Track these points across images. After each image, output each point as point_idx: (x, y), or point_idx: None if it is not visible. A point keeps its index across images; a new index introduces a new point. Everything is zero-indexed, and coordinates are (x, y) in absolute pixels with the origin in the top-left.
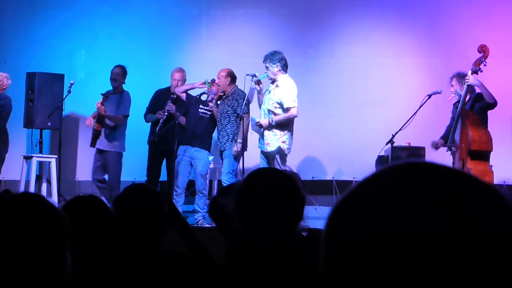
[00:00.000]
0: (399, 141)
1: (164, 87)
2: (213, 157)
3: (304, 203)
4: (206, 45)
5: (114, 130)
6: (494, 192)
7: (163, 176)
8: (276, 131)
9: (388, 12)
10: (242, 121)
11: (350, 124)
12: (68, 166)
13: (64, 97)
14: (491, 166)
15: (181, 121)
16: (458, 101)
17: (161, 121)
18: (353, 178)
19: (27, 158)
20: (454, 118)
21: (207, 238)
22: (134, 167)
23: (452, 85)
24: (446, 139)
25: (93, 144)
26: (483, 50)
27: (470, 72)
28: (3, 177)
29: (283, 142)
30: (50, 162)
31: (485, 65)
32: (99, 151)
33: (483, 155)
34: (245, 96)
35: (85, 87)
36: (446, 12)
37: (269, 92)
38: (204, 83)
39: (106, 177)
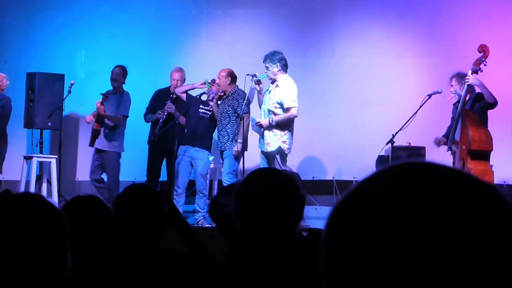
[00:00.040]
0: (399, 141)
1: (163, 87)
2: (213, 157)
3: (304, 203)
4: (206, 45)
5: (114, 130)
6: (494, 192)
7: (163, 176)
8: (277, 131)
9: (388, 12)
10: (242, 121)
11: (350, 124)
12: (68, 166)
13: (64, 97)
14: (491, 166)
15: (181, 121)
16: (458, 101)
17: (160, 121)
18: (354, 178)
19: (27, 158)
20: (454, 118)
21: (208, 238)
22: (134, 167)
23: (451, 85)
24: (448, 139)
25: (92, 143)
26: (483, 50)
27: (470, 72)
28: (3, 177)
29: (284, 142)
30: (50, 162)
31: (485, 65)
32: (98, 151)
33: (483, 154)
34: (245, 96)
35: (85, 87)
36: (446, 12)
37: (269, 92)
38: (204, 83)
39: (104, 176)
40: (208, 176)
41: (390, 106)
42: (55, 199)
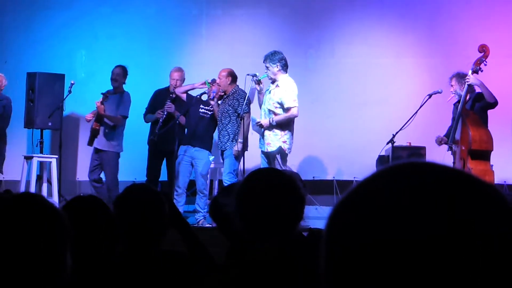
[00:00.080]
0: (399, 141)
1: (163, 87)
2: (213, 157)
3: (304, 203)
4: (206, 45)
5: (113, 129)
6: (494, 192)
7: (163, 176)
8: (277, 131)
9: (388, 12)
10: (242, 120)
11: (350, 124)
12: (69, 166)
13: (64, 97)
14: (492, 165)
15: (181, 121)
16: (458, 101)
17: (160, 120)
18: (354, 178)
19: (28, 158)
20: (455, 118)
21: (208, 238)
22: (134, 167)
23: (451, 85)
24: (448, 139)
25: (90, 143)
26: (484, 50)
27: (470, 71)
28: (3, 177)
29: (284, 142)
30: (50, 162)
31: (485, 65)
32: (97, 151)
33: (483, 154)
34: (245, 96)
35: (86, 87)
36: (446, 12)
37: (270, 92)
38: (204, 83)
39: (102, 176)
40: (208, 176)
41: (390, 106)
42: (55, 199)
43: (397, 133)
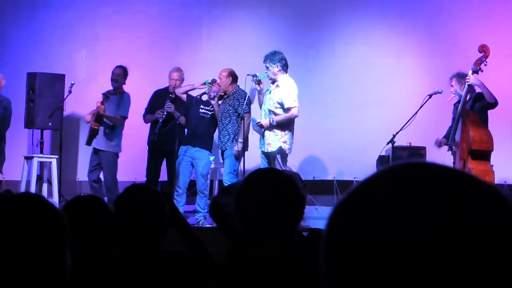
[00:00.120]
0: (400, 141)
1: (162, 88)
2: (214, 157)
3: (304, 203)
4: (207, 46)
5: (112, 130)
6: (494, 193)
7: (163, 177)
8: (277, 131)
9: (388, 12)
10: (243, 120)
11: (350, 124)
12: (69, 167)
13: (65, 97)
14: (492, 166)
15: (181, 121)
16: (458, 102)
17: (160, 121)
18: (354, 178)
19: (28, 158)
20: (455, 118)
21: (208, 238)
22: (135, 168)
23: (452, 85)
24: (448, 139)
25: (89, 142)
26: (484, 50)
27: (470, 72)
28: (4, 178)
29: (284, 142)
30: (51, 162)
31: (485, 65)
32: (95, 151)
33: (484, 154)
34: (246, 96)
35: (86, 88)
36: (446, 12)
37: (270, 92)
38: (204, 83)
39: (101, 177)
40: (208, 176)
41: (391, 106)
42: (55, 199)
43: (397, 133)
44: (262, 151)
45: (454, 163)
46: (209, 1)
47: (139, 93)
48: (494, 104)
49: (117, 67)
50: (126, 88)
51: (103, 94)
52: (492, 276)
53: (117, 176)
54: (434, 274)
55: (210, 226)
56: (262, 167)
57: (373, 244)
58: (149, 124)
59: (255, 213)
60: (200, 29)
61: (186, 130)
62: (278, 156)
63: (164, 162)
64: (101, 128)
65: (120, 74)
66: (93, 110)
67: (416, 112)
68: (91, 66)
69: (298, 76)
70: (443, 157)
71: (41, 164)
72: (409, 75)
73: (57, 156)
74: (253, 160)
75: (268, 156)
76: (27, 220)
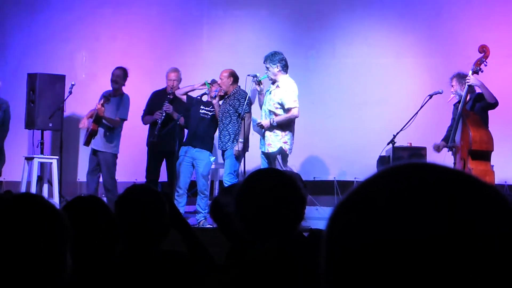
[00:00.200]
0: (400, 141)
1: (160, 89)
2: (214, 157)
3: (305, 204)
4: (207, 46)
5: (112, 131)
6: (495, 193)
7: (163, 177)
8: (278, 132)
9: (388, 12)
10: (243, 121)
11: (351, 124)
12: (69, 167)
13: (65, 98)
14: (492, 166)
15: (180, 121)
16: (459, 102)
17: (159, 122)
18: (355, 178)
19: (29, 159)
20: (455, 118)
21: (209, 238)
22: (135, 168)
23: (452, 85)
24: (448, 141)
25: (87, 143)
26: (484, 50)
27: (471, 72)
28: (4, 178)
29: (285, 142)
30: (51, 163)
31: (485, 65)
32: (94, 152)
33: (484, 155)
34: (246, 96)
35: (86, 88)
36: (446, 12)
37: (270, 93)
38: (204, 84)
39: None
40: (209, 176)
41: (391, 106)
42: (56, 200)
43: (397, 133)
44: (262, 151)
45: (454, 163)
46: (209, 2)
47: (139, 93)
48: (494, 104)
49: (117, 68)
50: (126, 88)
51: (103, 96)
52: (493, 276)
53: (117, 177)
54: (435, 275)
55: (211, 226)
56: (262, 167)
57: (373, 245)
58: (147, 125)
59: (256, 214)
60: (201, 29)
61: (186, 130)
62: (279, 157)
63: (164, 163)
64: (100, 130)
65: (120, 75)
66: (89, 112)
67: (417, 113)
68: (91, 66)
69: (298, 77)
70: (443, 157)
71: (42, 165)
72: (409, 75)
73: (57, 157)
74: (253, 161)
75: (268, 156)
76: (27, 220)
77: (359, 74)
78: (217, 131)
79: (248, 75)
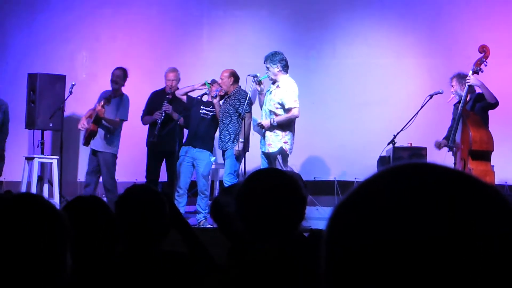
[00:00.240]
0: (400, 142)
1: (159, 89)
2: (215, 157)
3: (305, 204)
4: (207, 46)
5: (111, 132)
6: (495, 193)
7: (163, 177)
8: (278, 132)
9: (388, 12)
10: (243, 120)
11: (351, 125)
12: (70, 167)
13: (65, 98)
14: (493, 166)
15: (180, 122)
16: (459, 102)
17: (158, 122)
18: (355, 178)
19: (29, 159)
20: (455, 118)
21: (209, 238)
22: (135, 168)
23: (452, 86)
24: (449, 141)
25: (86, 143)
26: (484, 50)
27: (471, 72)
28: (4, 178)
29: (285, 142)
30: (51, 163)
31: (485, 65)
32: (94, 152)
33: (484, 155)
34: (247, 96)
35: (87, 88)
36: (446, 13)
37: (270, 93)
38: (204, 84)
39: (99, 178)
40: (209, 176)
41: (391, 106)
42: (56, 200)
43: (398, 133)
44: (262, 151)
45: (454, 163)
46: (209, 2)
47: (139, 93)
48: (494, 104)
49: (117, 68)
50: (126, 88)
51: (104, 97)
52: (493, 276)
53: (117, 177)
54: (435, 275)
55: (211, 226)
56: (262, 167)
57: (373, 245)
58: (147, 125)
59: (256, 214)
60: (201, 29)
61: (186, 130)
62: (279, 157)
63: (164, 163)
64: (100, 130)
65: (120, 76)
66: (87, 112)
67: (417, 113)
68: (91, 66)
69: (298, 77)
70: (443, 157)
71: (42, 165)
72: (409, 75)
73: (57, 157)
74: (253, 161)
75: (269, 156)
76: (28, 220)
77: (360, 75)
78: (218, 131)
79: (249, 75)
